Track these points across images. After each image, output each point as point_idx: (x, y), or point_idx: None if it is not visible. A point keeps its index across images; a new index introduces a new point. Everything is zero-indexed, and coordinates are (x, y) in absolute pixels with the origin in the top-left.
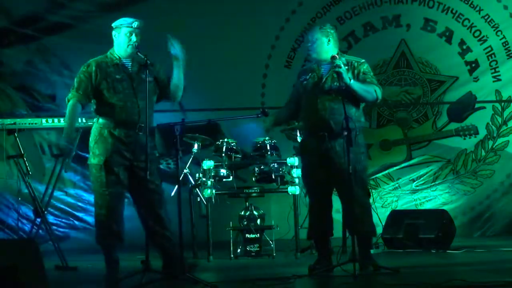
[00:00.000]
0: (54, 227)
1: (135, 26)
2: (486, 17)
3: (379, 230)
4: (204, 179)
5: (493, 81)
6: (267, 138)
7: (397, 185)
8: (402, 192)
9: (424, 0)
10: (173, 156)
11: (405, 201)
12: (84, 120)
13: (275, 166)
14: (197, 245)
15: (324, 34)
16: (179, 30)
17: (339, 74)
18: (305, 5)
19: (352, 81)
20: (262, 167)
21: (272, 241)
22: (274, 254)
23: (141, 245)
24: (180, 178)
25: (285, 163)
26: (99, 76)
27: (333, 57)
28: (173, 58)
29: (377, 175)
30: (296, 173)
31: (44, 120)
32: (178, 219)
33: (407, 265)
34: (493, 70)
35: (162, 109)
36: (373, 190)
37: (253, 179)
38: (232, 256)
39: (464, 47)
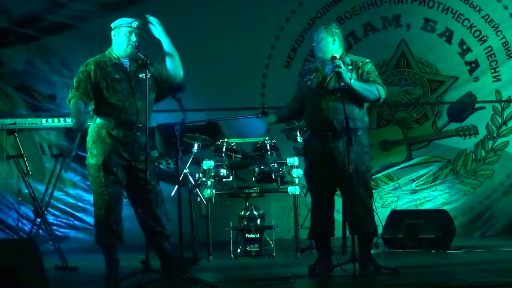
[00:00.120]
0: (54, 227)
1: (135, 26)
2: (486, 17)
3: (379, 230)
4: (204, 179)
5: (493, 81)
6: (267, 138)
7: (397, 185)
8: (402, 192)
9: (424, 0)
10: (173, 156)
11: (405, 201)
12: None
13: (275, 166)
14: (197, 245)
15: (329, 33)
16: (179, 30)
17: (339, 74)
18: (305, 5)
19: (352, 80)
20: (262, 167)
21: (272, 241)
22: (274, 254)
23: (141, 245)
24: (180, 178)
25: (285, 163)
26: (98, 75)
27: (333, 57)
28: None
29: (377, 175)
30: (296, 173)
31: (44, 120)
32: (178, 219)
33: (407, 265)
34: (493, 70)
35: (162, 109)
36: (373, 190)
37: (253, 179)
38: (232, 256)
39: (464, 47)
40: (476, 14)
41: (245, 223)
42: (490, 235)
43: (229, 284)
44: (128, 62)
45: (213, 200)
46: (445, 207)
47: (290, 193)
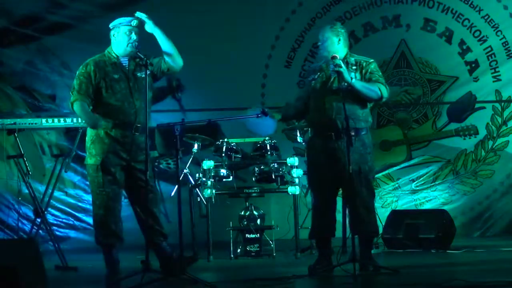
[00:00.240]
0: (54, 228)
1: (134, 25)
2: (486, 17)
3: (379, 230)
4: (204, 179)
5: (493, 81)
6: (267, 138)
7: (397, 185)
8: (402, 192)
9: (424, 0)
10: (173, 156)
11: (405, 201)
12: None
13: (275, 166)
14: (197, 245)
15: (334, 33)
16: (179, 30)
17: (340, 74)
18: (305, 5)
19: (354, 80)
20: (262, 167)
21: (272, 241)
22: (274, 254)
23: (141, 245)
24: (180, 178)
25: (285, 163)
26: (98, 75)
27: (333, 57)
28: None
29: (377, 175)
30: (296, 173)
31: (44, 120)
32: (178, 219)
33: (407, 265)
34: (493, 70)
35: (162, 109)
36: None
37: (253, 179)
38: (232, 256)
39: (464, 47)
40: (476, 14)
41: (245, 223)
42: (490, 235)
43: (229, 284)
44: (127, 61)
45: (213, 200)
46: (445, 207)
47: (290, 193)
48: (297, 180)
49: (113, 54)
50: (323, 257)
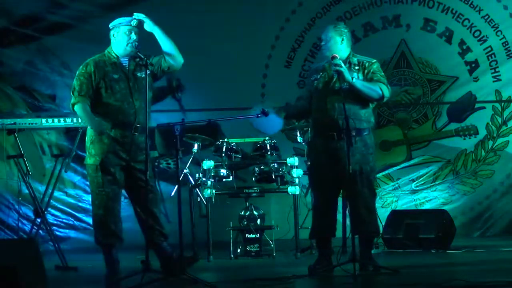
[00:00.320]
0: (55, 228)
1: (134, 24)
2: (486, 17)
3: (380, 230)
4: (204, 179)
5: (493, 81)
6: (267, 138)
7: (397, 185)
8: (402, 192)
9: (424, 0)
10: (173, 156)
11: (405, 201)
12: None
13: (275, 166)
14: (197, 245)
15: (338, 33)
16: (179, 30)
17: (340, 73)
18: (305, 5)
19: (354, 79)
20: (262, 167)
21: (272, 241)
22: (274, 254)
23: (141, 245)
24: (180, 178)
25: (285, 163)
26: (98, 75)
27: (333, 57)
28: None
29: (377, 175)
30: (296, 173)
31: (44, 120)
32: (178, 219)
33: (407, 265)
34: (493, 70)
35: (162, 109)
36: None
37: (253, 179)
38: (232, 256)
39: (464, 47)
40: (476, 14)
41: (245, 223)
42: (490, 235)
43: (229, 284)
44: (127, 61)
45: (213, 200)
46: (445, 207)
47: (290, 193)
48: (297, 180)
49: (113, 54)
50: (323, 257)
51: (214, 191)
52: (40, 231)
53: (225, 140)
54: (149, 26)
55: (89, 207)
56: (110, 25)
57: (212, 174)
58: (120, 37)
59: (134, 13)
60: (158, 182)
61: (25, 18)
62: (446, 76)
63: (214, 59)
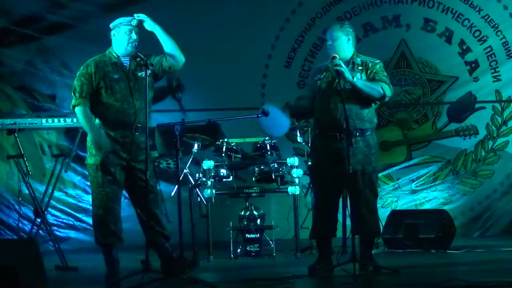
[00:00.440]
0: (55, 228)
1: (134, 24)
2: (486, 17)
3: (380, 230)
4: (204, 179)
5: (493, 81)
6: (267, 138)
7: (397, 185)
8: (402, 192)
9: (424, 0)
10: (173, 156)
11: (405, 201)
12: None
13: (275, 166)
14: (197, 245)
15: (344, 32)
16: (179, 30)
17: (340, 73)
18: (305, 5)
19: (355, 79)
20: (262, 167)
21: (272, 241)
22: (274, 254)
23: (141, 245)
24: (180, 178)
25: (285, 163)
26: (98, 76)
27: (333, 57)
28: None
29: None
30: (296, 173)
31: (44, 120)
32: (178, 219)
33: (407, 265)
34: (493, 70)
35: (162, 109)
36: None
37: (253, 179)
38: (232, 256)
39: (464, 47)
40: (476, 14)
41: (245, 223)
42: (490, 235)
43: (229, 284)
44: (128, 61)
45: (213, 200)
46: (445, 207)
47: (290, 193)
48: (297, 180)
49: (114, 54)
50: (323, 257)
51: (214, 191)
52: (40, 231)
53: (225, 140)
54: (149, 25)
55: (89, 207)
56: (111, 25)
57: (212, 174)
58: (121, 37)
59: (135, 15)
60: (158, 182)
61: (25, 18)
62: (446, 76)
63: (214, 59)
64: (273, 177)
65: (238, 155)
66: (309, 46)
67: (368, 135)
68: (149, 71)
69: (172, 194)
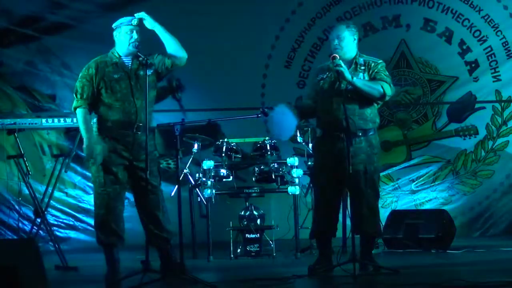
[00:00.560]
0: (55, 228)
1: (135, 23)
2: (486, 17)
3: (381, 231)
4: (204, 179)
5: (493, 81)
6: (267, 138)
7: (396, 185)
8: (401, 192)
9: (424, 0)
10: (173, 156)
11: (405, 202)
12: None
13: (275, 166)
14: (197, 245)
15: (351, 32)
16: (179, 30)
17: (340, 73)
18: (305, 6)
19: (354, 78)
20: (262, 167)
21: (272, 241)
22: (274, 254)
23: (141, 245)
24: (180, 178)
25: (285, 163)
26: (98, 77)
27: (333, 57)
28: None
29: None
30: (296, 173)
31: (44, 120)
32: (178, 219)
33: (407, 265)
34: (493, 70)
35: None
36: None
37: (253, 179)
38: (232, 256)
39: (464, 47)
40: (476, 14)
41: (245, 223)
42: (490, 235)
43: (229, 284)
44: (130, 61)
45: (213, 200)
46: (445, 207)
47: (290, 193)
48: (297, 180)
49: (116, 54)
50: (323, 257)
51: (214, 191)
52: (40, 231)
53: (225, 140)
54: (149, 23)
55: (89, 207)
56: (113, 25)
57: (212, 174)
58: (122, 37)
59: (135, 14)
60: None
61: (25, 18)
62: (446, 76)
63: (214, 59)
64: (273, 177)
65: (238, 155)
66: (309, 46)
67: (371, 135)
68: (151, 70)
69: (172, 194)
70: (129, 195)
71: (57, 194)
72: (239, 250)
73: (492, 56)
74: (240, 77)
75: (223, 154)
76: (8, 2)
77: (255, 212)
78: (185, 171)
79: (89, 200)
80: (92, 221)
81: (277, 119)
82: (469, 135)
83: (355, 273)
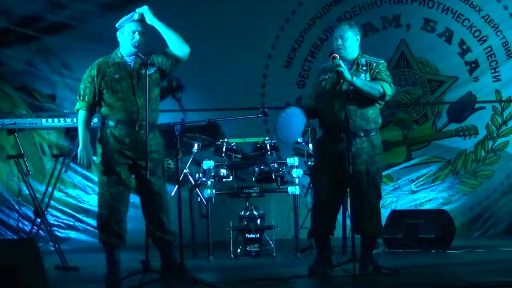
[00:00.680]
0: (55, 228)
1: (136, 18)
2: (486, 17)
3: (382, 231)
4: (204, 179)
5: (493, 81)
6: (267, 138)
7: (396, 185)
8: (401, 192)
9: (424, 0)
10: (173, 156)
11: (405, 202)
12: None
13: (275, 166)
14: (197, 245)
15: (354, 33)
16: (179, 30)
17: (340, 73)
18: (305, 6)
19: (354, 78)
20: (262, 167)
21: (272, 241)
22: (274, 254)
23: (141, 245)
24: (180, 178)
25: (285, 163)
26: (99, 78)
27: (333, 57)
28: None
29: None
30: (296, 173)
31: (44, 120)
32: (178, 219)
33: (407, 265)
34: (493, 70)
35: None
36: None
37: (253, 179)
38: (232, 256)
39: (464, 47)
40: (476, 14)
41: (245, 223)
42: (490, 235)
43: (229, 284)
44: (133, 60)
45: (213, 200)
46: (445, 207)
47: (290, 193)
48: (297, 180)
49: (119, 54)
50: (323, 257)
51: (214, 191)
52: (40, 232)
53: (225, 140)
54: (150, 19)
55: (89, 207)
56: (116, 25)
57: (212, 174)
58: (125, 37)
59: (136, 10)
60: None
61: (25, 18)
62: (446, 76)
63: (214, 59)
64: (273, 177)
65: (238, 155)
66: (309, 46)
67: (373, 135)
68: (153, 69)
69: (172, 194)
70: (132, 197)
71: (57, 194)
72: (239, 250)
73: (492, 56)
74: (240, 77)
75: (223, 154)
76: (8, 2)
77: (255, 212)
78: (185, 171)
79: (89, 200)
80: (92, 221)
81: (288, 122)
82: (469, 135)
83: (355, 273)
